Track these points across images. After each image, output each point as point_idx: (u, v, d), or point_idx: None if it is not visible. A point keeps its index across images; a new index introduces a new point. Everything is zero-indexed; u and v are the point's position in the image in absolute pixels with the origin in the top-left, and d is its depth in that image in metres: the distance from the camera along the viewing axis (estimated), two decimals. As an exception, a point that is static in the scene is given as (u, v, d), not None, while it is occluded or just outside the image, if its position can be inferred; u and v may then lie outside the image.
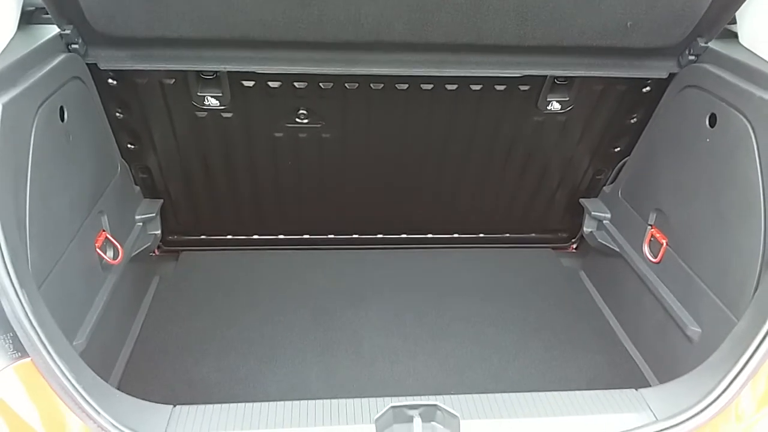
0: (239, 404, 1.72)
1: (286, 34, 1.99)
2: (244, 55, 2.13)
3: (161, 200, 2.80)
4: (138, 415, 1.63)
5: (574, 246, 3.30)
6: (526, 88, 2.43)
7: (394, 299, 2.84)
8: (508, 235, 3.20)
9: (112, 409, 1.57)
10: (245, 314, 2.71)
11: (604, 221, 2.83)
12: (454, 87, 2.40)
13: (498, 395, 1.79)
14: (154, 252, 3.08)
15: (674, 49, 2.22)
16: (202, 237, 3.08)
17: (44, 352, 1.49)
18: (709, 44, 2.20)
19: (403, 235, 3.17)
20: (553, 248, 3.28)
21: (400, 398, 1.72)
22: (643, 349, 2.53)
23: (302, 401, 1.73)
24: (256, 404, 1.72)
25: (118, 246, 2.32)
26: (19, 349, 1.49)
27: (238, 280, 2.94)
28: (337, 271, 3.02)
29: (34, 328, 1.48)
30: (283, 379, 2.39)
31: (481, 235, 3.19)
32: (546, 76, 2.37)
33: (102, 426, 1.52)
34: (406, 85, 2.38)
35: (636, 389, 1.83)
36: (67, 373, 1.52)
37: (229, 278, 2.95)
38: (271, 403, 1.72)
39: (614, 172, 2.85)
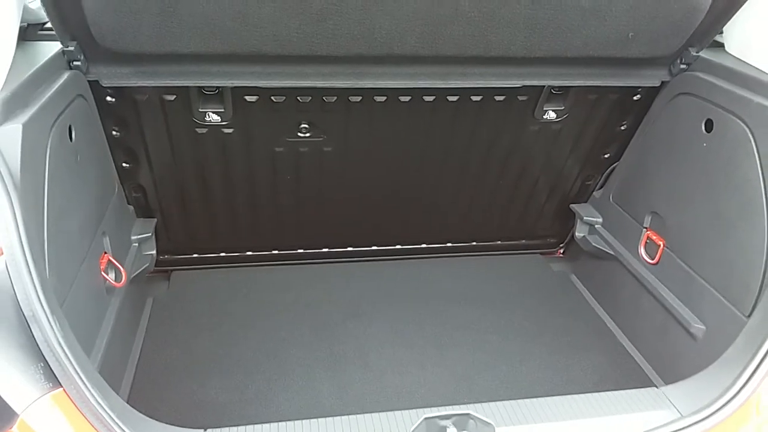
0: (272, 424, 1.69)
1: (298, 48, 1.98)
2: (251, 69, 2.11)
3: (155, 219, 2.73)
4: (169, 441, 1.59)
5: (562, 251, 3.38)
6: (524, 98, 2.48)
7: (393, 310, 2.84)
8: (499, 242, 3.25)
9: (141, 434, 1.53)
10: (245, 332, 2.67)
11: (596, 225, 2.91)
12: (456, 98, 2.43)
13: (527, 401, 1.82)
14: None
15: (667, 59, 2.31)
16: (194, 255, 3.02)
17: (78, 381, 1.43)
18: (703, 53, 2.30)
19: (397, 246, 3.18)
20: (542, 253, 3.34)
21: (431, 409, 1.73)
22: (643, 349, 2.60)
23: (325, 419, 1.72)
24: (296, 422, 1.70)
25: (121, 268, 2.26)
26: (50, 380, 1.43)
27: (233, 297, 2.89)
28: (333, 284, 3.00)
29: (67, 356, 1.43)
30: (295, 397, 2.36)
31: (473, 243, 3.23)
32: (544, 86, 2.43)
33: None
34: (409, 97, 2.40)
35: (657, 387, 1.89)
36: (100, 401, 1.47)
37: (225, 296, 2.89)
38: (293, 422, 1.70)
39: (603, 177, 2.94)
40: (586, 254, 3.05)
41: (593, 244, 2.89)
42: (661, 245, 2.46)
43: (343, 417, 1.70)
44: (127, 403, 2.24)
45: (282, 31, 1.91)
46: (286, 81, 2.15)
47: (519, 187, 2.91)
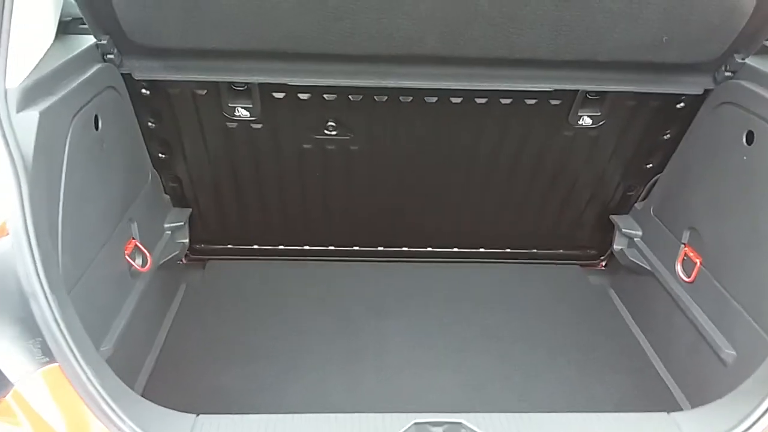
0: (262, 415, 1.72)
1: (316, 46, 2.01)
2: (275, 67, 2.15)
3: (190, 209, 2.83)
4: (161, 423, 1.64)
5: (603, 263, 3.24)
6: (557, 102, 2.41)
7: (419, 312, 2.82)
8: (535, 250, 3.16)
9: (135, 416, 1.57)
10: (270, 323, 2.72)
11: (635, 239, 2.78)
12: (484, 100, 2.38)
13: (524, 415, 1.76)
14: (181, 260, 3.11)
15: (710, 65, 2.18)
16: (229, 246, 3.10)
17: (71, 358, 1.50)
18: (749, 61, 2.15)
19: (429, 249, 3.15)
20: (581, 265, 3.22)
21: (423, 414, 1.71)
22: (674, 371, 2.46)
23: (325, 414, 1.72)
24: (279, 416, 1.71)
25: (147, 254, 2.35)
26: (47, 354, 1.51)
27: (263, 289, 2.95)
28: (362, 282, 3.01)
29: (62, 333, 1.50)
30: (307, 389, 2.38)
31: (508, 250, 3.16)
32: (577, 90, 2.34)
33: None
34: (435, 98, 2.37)
35: (668, 413, 1.78)
36: (93, 380, 1.53)
37: (255, 287, 2.96)
38: (294, 415, 1.71)
39: (646, 188, 2.80)
40: (625, 268, 2.91)
41: (630, 258, 2.76)
42: (698, 263, 2.32)
43: (329, 415, 1.70)
44: (147, 384, 2.37)
45: (299, 29, 1.94)
46: (309, 78, 2.18)
47: (553, 193, 2.82)
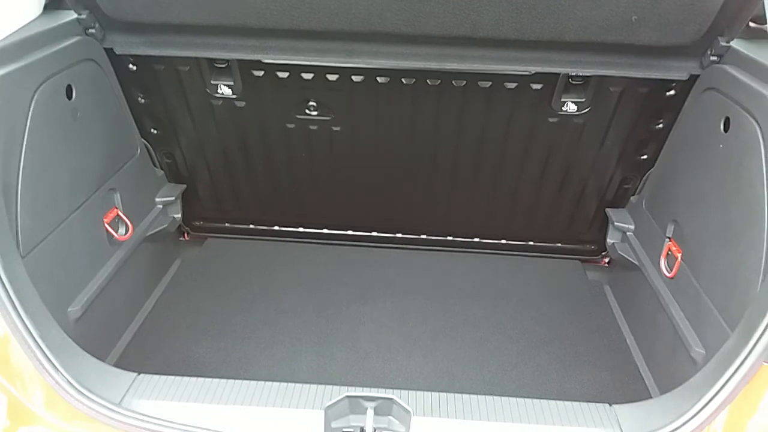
0: (198, 378, 1.76)
1: (281, 22, 2.03)
2: (248, 43, 2.19)
3: (184, 186, 2.91)
4: (100, 378, 1.70)
5: (606, 260, 3.13)
6: (538, 86, 2.35)
7: (402, 299, 2.81)
8: (531, 243, 3.09)
9: (74, 368, 1.64)
10: (254, 301, 2.77)
11: (628, 233, 2.68)
12: (463, 83, 2.35)
13: (463, 396, 1.73)
14: (183, 237, 3.21)
15: (694, 49, 2.08)
16: (227, 225, 3.17)
17: (10, 308, 1.58)
18: (735, 44, 2.04)
19: (423, 236, 3.13)
20: (582, 260, 3.13)
21: (356, 389, 1.71)
22: (653, 369, 2.36)
23: (257, 381, 1.74)
24: (213, 380, 1.75)
25: (129, 224, 2.43)
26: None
27: (254, 268, 3.00)
28: (351, 267, 3.02)
29: (2, 283, 1.58)
30: (276, 365, 2.42)
31: (503, 241, 3.10)
32: (558, 74, 2.28)
33: (60, 384, 1.60)
34: (413, 80, 2.36)
35: (610, 405, 1.72)
36: (33, 331, 1.60)
37: (247, 266, 3.01)
38: (227, 380, 1.75)
39: (642, 181, 2.69)
40: (619, 264, 2.81)
41: (620, 252, 2.66)
42: (678, 258, 2.21)
43: (260, 382, 1.72)
44: (125, 349, 2.46)
45: (260, 3, 1.97)
46: (282, 56, 2.21)
47: (545, 183, 2.75)
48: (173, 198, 2.81)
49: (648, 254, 2.49)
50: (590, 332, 2.64)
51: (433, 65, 2.17)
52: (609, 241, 2.77)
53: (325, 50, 2.16)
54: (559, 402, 1.73)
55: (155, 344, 2.51)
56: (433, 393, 1.75)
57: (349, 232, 3.15)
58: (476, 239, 3.11)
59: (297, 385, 1.75)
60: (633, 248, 2.60)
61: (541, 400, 1.72)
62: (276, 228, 3.16)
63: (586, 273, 3.05)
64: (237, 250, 3.13)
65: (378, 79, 2.36)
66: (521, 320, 2.69)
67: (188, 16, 2.05)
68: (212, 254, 3.11)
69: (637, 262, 2.54)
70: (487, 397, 1.73)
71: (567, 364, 2.46)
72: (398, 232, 3.13)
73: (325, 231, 3.15)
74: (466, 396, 1.72)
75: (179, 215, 2.88)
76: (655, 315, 2.38)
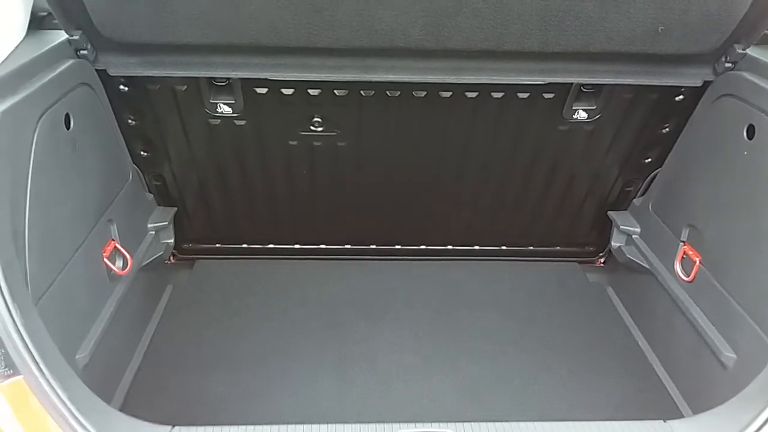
0: (239, 427, 1.64)
1: (297, 40, 1.92)
2: (255, 61, 2.07)
3: (175, 208, 2.75)
4: (136, 437, 1.57)
5: (602, 260, 3.16)
6: (550, 96, 2.32)
7: (409, 313, 2.74)
8: (531, 247, 3.08)
9: (107, 430, 1.51)
10: (257, 326, 2.64)
11: (634, 236, 2.69)
12: (475, 95, 2.29)
13: (514, 424, 1.68)
14: (169, 260, 3.04)
15: (709, 56, 2.09)
16: (217, 245, 3.03)
17: (35, 370, 1.43)
18: (748, 51, 2.06)
19: (422, 247, 3.07)
20: (579, 262, 3.14)
21: (412, 425, 1.63)
22: (674, 374, 2.38)
23: (309, 425, 1.64)
24: (259, 427, 1.64)
25: (128, 256, 2.27)
26: (10, 366, 1.44)
27: (252, 290, 2.87)
28: (353, 282, 2.93)
29: (25, 343, 1.43)
30: (295, 396, 2.31)
31: (503, 247, 3.07)
32: (572, 83, 2.26)
33: None
34: (424, 93, 2.29)
35: (665, 421, 1.70)
36: (60, 392, 1.46)
37: (244, 288, 2.88)
38: (274, 426, 1.64)
39: (645, 184, 2.71)
40: (623, 266, 2.83)
41: (628, 255, 2.68)
42: (697, 262, 2.23)
43: (313, 426, 1.62)
44: (129, 390, 2.30)
45: (278, 22, 1.86)
46: (291, 73, 2.09)
47: (549, 189, 2.73)
48: (166, 222, 2.65)
49: (659, 257, 2.51)
50: (600, 337, 2.65)
51: (450, 79, 2.11)
52: (614, 244, 2.78)
53: (339, 67, 2.06)
54: (613, 423, 1.70)
55: (161, 382, 2.36)
56: (482, 423, 1.69)
57: (347, 246, 3.06)
58: (476, 246, 3.07)
59: (352, 425, 1.65)
60: (642, 252, 2.62)
61: (596, 422, 1.69)
62: (270, 246, 3.03)
63: (586, 275, 3.06)
64: (230, 272, 2.99)
65: (388, 92, 2.28)
66: (532, 329, 2.67)
67: (196, 37, 1.91)
68: (205, 277, 2.96)
69: (648, 266, 2.56)
70: (540, 423, 1.69)
71: (587, 374, 2.45)
72: (397, 244, 3.06)
73: (322, 246, 3.05)
74: (523, 424, 1.67)
75: (172, 240, 2.72)
76: (671, 318, 2.41)
